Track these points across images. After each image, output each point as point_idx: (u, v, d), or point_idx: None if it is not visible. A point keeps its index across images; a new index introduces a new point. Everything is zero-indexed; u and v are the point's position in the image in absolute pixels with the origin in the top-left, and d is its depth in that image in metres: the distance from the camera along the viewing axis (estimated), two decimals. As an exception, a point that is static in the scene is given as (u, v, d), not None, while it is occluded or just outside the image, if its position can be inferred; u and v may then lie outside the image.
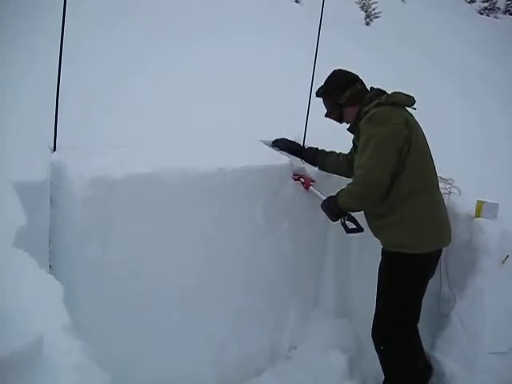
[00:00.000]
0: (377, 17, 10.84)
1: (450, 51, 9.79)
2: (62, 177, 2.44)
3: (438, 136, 2.97)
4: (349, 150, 3.06)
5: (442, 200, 2.85)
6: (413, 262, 2.70)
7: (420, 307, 2.79)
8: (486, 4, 18.35)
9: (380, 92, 2.81)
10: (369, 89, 2.88)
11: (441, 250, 2.83)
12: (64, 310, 1.55)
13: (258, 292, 3.19)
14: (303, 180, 3.24)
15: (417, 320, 2.81)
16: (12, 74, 3.20)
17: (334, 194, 2.86)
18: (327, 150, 3.26)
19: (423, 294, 2.78)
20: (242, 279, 3.09)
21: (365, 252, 3.33)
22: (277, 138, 3.43)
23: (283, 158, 3.28)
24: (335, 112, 2.93)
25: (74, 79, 2.95)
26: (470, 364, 2.83)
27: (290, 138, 3.42)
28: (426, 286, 2.79)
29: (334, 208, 2.85)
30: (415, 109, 2.78)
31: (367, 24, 10.82)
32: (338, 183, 3.08)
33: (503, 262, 2.86)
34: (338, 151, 3.21)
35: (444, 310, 3.00)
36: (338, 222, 2.92)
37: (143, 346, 2.61)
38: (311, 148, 3.31)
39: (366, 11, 10.97)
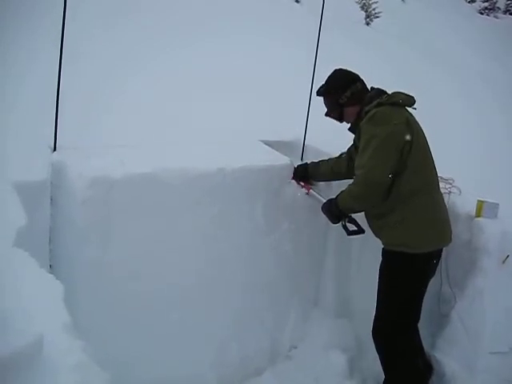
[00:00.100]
0: (377, 17, 10.82)
1: (450, 51, 9.79)
2: (62, 176, 2.45)
3: (438, 136, 2.96)
4: (346, 149, 3.07)
5: (443, 200, 2.85)
6: (413, 262, 2.70)
7: (421, 307, 2.79)
8: (486, 4, 18.34)
9: (380, 92, 2.81)
10: (369, 88, 2.88)
11: (441, 250, 2.83)
12: (64, 310, 1.56)
13: (258, 292, 3.19)
14: (303, 184, 3.24)
15: (417, 320, 2.81)
16: (12, 73, 3.20)
17: (334, 197, 2.86)
18: (316, 161, 3.25)
19: (424, 294, 2.78)
20: (242, 279, 3.09)
21: (365, 252, 3.33)
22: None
23: (284, 158, 3.28)
24: (336, 111, 2.93)
25: (74, 79, 2.95)
26: (471, 364, 2.83)
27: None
28: (426, 285, 2.78)
29: (335, 210, 2.85)
30: (415, 109, 2.78)
31: (367, 24, 10.81)
32: (339, 185, 3.08)
33: (503, 262, 2.86)
34: (327, 158, 3.22)
35: (444, 310, 3.00)
36: (339, 224, 2.92)
37: (143, 346, 2.61)
38: (300, 165, 3.30)
39: (366, 11, 10.96)
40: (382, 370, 2.88)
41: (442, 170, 2.86)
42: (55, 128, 2.55)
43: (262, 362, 3.20)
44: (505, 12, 18.90)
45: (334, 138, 3.31)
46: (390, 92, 2.80)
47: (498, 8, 18.66)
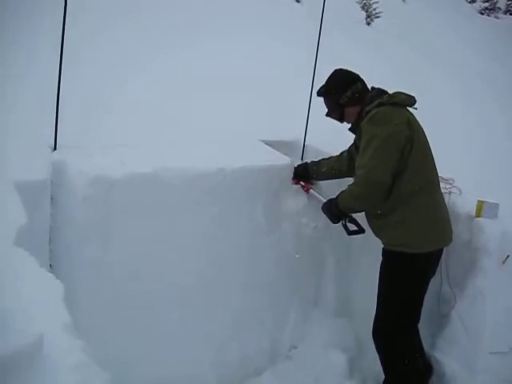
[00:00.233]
0: (377, 17, 10.82)
1: (450, 51, 9.78)
2: (63, 175, 2.45)
3: (438, 136, 2.96)
4: (347, 148, 3.07)
5: (443, 199, 2.85)
6: (414, 262, 2.69)
7: (421, 307, 2.79)
8: (486, 4, 18.32)
9: (381, 92, 2.81)
10: (370, 88, 2.88)
11: (442, 250, 2.82)
12: (64, 310, 1.56)
13: (258, 292, 3.19)
14: (303, 184, 3.24)
15: (417, 320, 2.81)
16: (12, 73, 3.20)
17: (334, 197, 2.86)
18: (316, 160, 3.26)
19: (424, 294, 2.78)
20: (242, 279, 3.09)
21: (365, 252, 3.33)
22: None
23: (284, 158, 3.28)
24: (336, 112, 2.93)
25: (75, 79, 2.95)
26: (471, 364, 2.83)
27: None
28: (427, 285, 2.78)
29: (335, 210, 2.85)
30: (416, 109, 2.78)
31: (368, 24, 10.81)
32: (339, 185, 3.08)
33: (503, 262, 2.86)
34: (327, 157, 3.22)
35: (444, 310, 3.00)
36: (339, 224, 2.92)
37: (143, 346, 2.61)
38: (300, 164, 3.31)
39: (366, 11, 10.95)
40: (382, 369, 2.88)
41: (442, 170, 2.86)
42: (55, 127, 2.55)
43: (262, 362, 3.20)
44: (505, 12, 18.88)
45: (334, 138, 3.30)
46: (390, 92, 2.80)
47: (499, 8, 18.64)
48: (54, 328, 1.43)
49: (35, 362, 1.28)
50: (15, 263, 1.68)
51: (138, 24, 4.91)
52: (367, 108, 2.74)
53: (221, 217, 2.91)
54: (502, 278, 2.87)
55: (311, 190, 3.23)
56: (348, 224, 2.89)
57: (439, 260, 2.84)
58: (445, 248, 2.84)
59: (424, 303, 2.79)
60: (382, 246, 2.81)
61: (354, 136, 2.94)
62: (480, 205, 2.92)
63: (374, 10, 10.92)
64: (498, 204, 2.93)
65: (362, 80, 2.90)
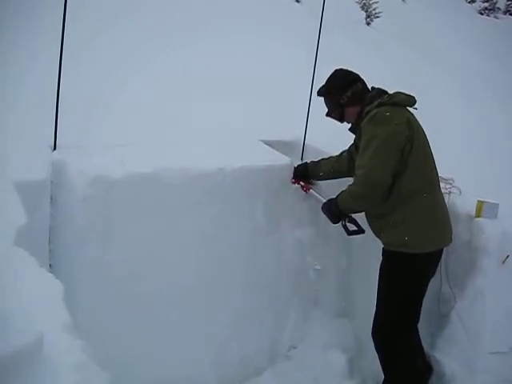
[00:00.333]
0: (377, 17, 10.82)
1: (450, 51, 9.78)
2: (63, 175, 2.45)
3: (438, 136, 2.96)
4: (347, 148, 3.07)
5: (443, 200, 2.85)
6: (414, 262, 2.69)
7: (420, 307, 2.78)
8: (486, 4, 18.31)
9: (381, 92, 2.81)
10: (370, 88, 2.88)
11: (442, 250, 2.82)
12: (64, 310, 1.56)
13: (257, 292, 3.19)
14: (302, 184, 3.24)
15: (417, 320, 2.81)
16: (12, 73, 3.20)
17: (334, 197, 2.86)
18: (316, 159, 3.25)
19: (424, 295, 2.78)
20: (242, 279, 3.09)
21: (365, 252, 3.33)
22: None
23: (284, 158, 3.28)
24: (336, 111, 2.92)
25: (74, 79, 2.95)
26: (471, 364, 2.83)
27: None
28: (426, 286, 2.78)
29: (335, 210, 2.85)
30: (416, 109, 2.78)
31: (368, 24, 10.81)
32: (339, 185, 3.08)
33: (503, 262, 2.86)
34: (327, 157, 3.22)
35: (444, 310, 3.00)
36: (339, 224, 2.92)
37: (143, 346, 2.61)
38: (300, 164, 3.31)
39: (366, 11, 10.95)
40: (381, 370, 2.88)
41: (442, 170, 2.86)
42: (55, 127, 2.55)
43: (262, 362, 3.20)
44: (505, 12, 18.87)
45: (334, 138, 3.30)
46: (390, 92, 2.80)
47: (498, 8, 18.63)
48: (54, 328, 1.43)
49: (35, 361, 1.28)
50: (15, 263, 1.68)
51: (137, 24, 4.91)
52: (367, 108, 2.74)
53: (221, 217, 2.91)
54: (502, 278, 2.87)
55: (311, 190, 3.23)
56: (348, 224, 2.89)
57: (439, 260, 2.84)
58: (445, 248, 2.84)
59: (424, 303, 2.79)
60: (382, 246, 2.81)
61: (353, 136, 2.94)
62: (480, 205, 2.92)
63: (374, 10, 10.92)
64: (497, 204, 2.93)
65: (363, 80, 2.90)
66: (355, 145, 2.92)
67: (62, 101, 2.53)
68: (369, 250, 3.14)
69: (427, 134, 2.77)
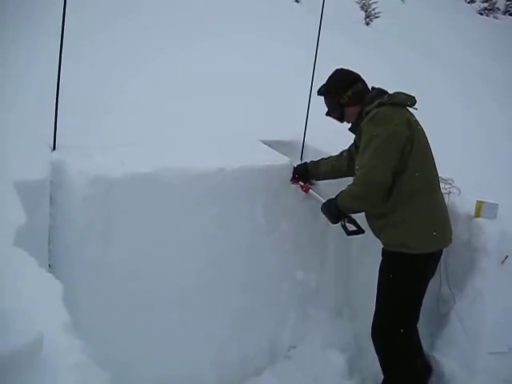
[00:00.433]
0: (377, 17, 10.82)
1: (450, 51, 9.79)
2: (62, 175, 2.45)
3: (438, 136, 2.96)
4: (347, 148, 3.07)
5: (443, 200, 2.85)
6: (413, 262, 2.69)
7: (420, 307, 2.79)
8: (485, 4, 18.31)
9: (381, 92, 2.81)
10: (370, 88, 2.88)
11: (441, 251, 2.82)
12: (64, 310, 1.56)
13: (257, 292, 3.19)
14: (302, 184, 3.24)
15: (416, 320, 2.81)
16: (12, 73, 3.20)
17: (333, 197, 2.86)
18: (316, 159, 3.25)
19: (423, 295, 2.78)
20: (242, 279, 3.09)
21: (365, 251, 3.33)
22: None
23: (284, 159, 3.28)
24: (336, 111, 2.92)
25: (74, 79, 2.95)
26: (470, 364, 2.83)
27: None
28: (426, 286, 2.78)
29: (334, 210, 2.85)
30: (416, 109, 2.78)
31: (367, 24, 10.81)
32: (338, 185, 3.08)
33: (502, 262, 2.87)
34: (327, 157, 3.21)
35: (443, 310, 3.00)
36: (339, 224, 2.92)
37: (143, 346, 2.61)
38: (300, 164, 3.30)
39: (365, 11, 10.95)
40: (380, 369, 2.88)
41: (441, 170, 2.86)
42: (55, 127, 2.55)
43: (262, 362, 3.20)
44: (504, 13, 18.86)
45: (333, 138, 3.30)
46: (390, 92, 2.80)
47: (498, 9, 18.62)
48: (54, 328, 1.44)
49: (35, 361, 1.28)
50: (14, 263, 1.69)
51: (138, 24, 4.91)
52: (367, 108, 2.74)
53: (221, 217, 2.91)
54: (501, 278, 2.87)
55: (310, 190, 3.23)
56: (347, 224, 2.89)
57: (439, 261, 2.84)
58: (444, 248, 2.84)
59: (423, 303, 2.79)
60: (382, 246, 2.81)
61: (353, 136, 2.95)
62: (479, 205, 2.93)
63: (374, 10, 10.92)
64: (497, 204, 2.94)
65: (363, 80, 2.90)
66: (355, 145, 2.92)
67: (61, 101, 2.53)
68: (368, 250, 3.15)
69: (427, 134, 2.77)
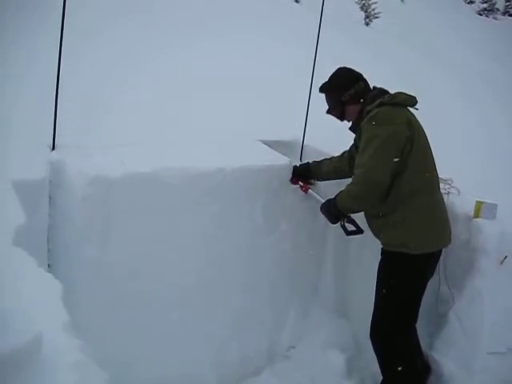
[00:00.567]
0: (376, 17, 10.82)
1: (450, 51, 9.79)
2: (62, 175, 2.45)
3: (438, 136, 2.96)
4: (348, 148, 3.07)
5: (443, 200, 2.85)
6: (413, 263, 2.69)
7: (419, 307, 2.79)
8: (485, 5, 18.29)
9: (382, 91, 2.82)
10: (371, 88, 2.88)
11: (441, 251, 2.82)
12: (63, 309, 1.56)
13: (257, 292, 3.20)
14: (301, 183, 3.24)
15: (415, 320, 2.81)
16: (12, 74, 3.20)
17: (332, 197, 2.86)
18: (318, 160, 3.24)
19: (422, 295, 2.78)
20: (242, 279, 3.10)
21: (364, 251, 3.33)
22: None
23: (283, 159, 3.28)
24: (337, 109, 2.92)
25: (74, 79, 2.95)
26: (469, 364, 2.83)
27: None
28: (425, 286, 2.78)
29: (334, 210, 2.85)
30: (417, 109, 2.78)
31: (367, 24, 10.81)
32: (338, 184, 3.08)
33: (502, 263, 2.87)
34: (329, 157, 3.21)
35: (442, 310, 3.01)
36: (338, 224, 2.92)
37: (143, 346, 2.62)
38: (302, 164, 3.30)
39: (365, 11, 10.95)
40: (379, 369, 2.88)
41: (441, 170, 2.86)
42: (54, 127, 2.55)
43: (261, 362, 3.20)
44: (504, 13, 18.84)
45: (333, 138, 3.31)
46: (391, 92, 2.80)
47: (497, 9, 18.58)
48: (53, 327, 1.44)
49: (34, 361, 1.28)
50: (14, 263, 1.69)
51: (137, 24, 4.91)
52: (368, 108, 2.74)
53: (221, 216, 2.92)
54: (500, 278, 2.87)
55: (310, 190, 3.23)
56: (346, 224, 2.90)
57: (438, 261, 2.84)
58: (443, 248, 2.84)
59: (422, 303, 2.79)
60: (381, 246, 2.81)
61: (353, 136, 2.94)
62: (478, 205, 2.93)
63: (373, 10, 10.92)
64: (496, 205, 2.94)
65: (365, 79, 2.90)
66: (355, 144, 2.92)
67: (61, 100, 2.53)
68: (368, 250, 3.15)
69: (427, 134, 2.77)
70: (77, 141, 2.72)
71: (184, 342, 2.81)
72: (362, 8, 11.07)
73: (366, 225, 2.89)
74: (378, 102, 2.71)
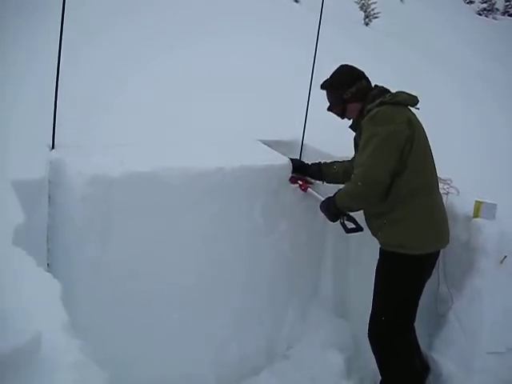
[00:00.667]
0: (376, 17, 10.80)
1: (450, 51, 9.78)
2: (61, 174, 2.45)
3: (438, 136, 2.96)
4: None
5: (442, 201, 2.85)
6: (411, 263, 2.70)
7: (417, 307, 2.79)
8: (484, 5, 18.26)
9: (384, 90, 2.81)
10: (373, 86, 2.88)
11: (439, 252, 2.83)
12: (62, 309, 1.56)
13: (257, 292, 3.20)
14: (301, 182, 3.24)
15: (413, 320, 2.81)
16: (12, 74, 3.20)
17: (331, 195, 2.86)
18: (329, 161, 3.19)
19: (420, 295, 2.78)
20: (242, 279, 3.10)
21: (363, 251, 3.33)
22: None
23: (283, 158, 3.28)
24: (338, 106, 2.91)
25: (74, 79, 2.95)
26: (468, 364, 2.84)
27: (292, 157, 3.32)
28: (423, 286, 2.78)
29: (333, 208, 2.85)
30: (418, 109, 2.78)
31: (366, 24, 10.80)
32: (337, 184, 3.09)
33: (501, 263, 2.87)
34: (340, 160, 3.16)
35: (442, 310, 3.01)
36: (337, 222, 2.92)
37: (142, 346, 2.62)
38: (314, 163, 3.23)
39: (365, 11, 10.94)
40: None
41: (441, 170, 2.87)
42: (53, 126, 2.55)
43: (260, 362, 3.20)
44: (503, 13, 18.80)
45: (332, 138, 3.31)
46: (393, 91, 2.80)
47: (497, 9, 18.54)
48: (52, 327, 1.44)
49: (33, 360, 1.29)
50: (13, 262, 1.69)
51: (137, 24, 4.91)
52: (369, 106, 2.74)
53: (220, 216, 2.92)
54: (500, 278, 2.88)
55: (309, 189, 3.22)
56: (346, 222, 2.89)
57: (436, 261, 2.84)
58: (441, 249, 2.85)
59: (421, 303, 2.79)
60: (380, 246, 2.81)
61: (352, 135, 2.94)
62: (478, 205, 2.93)
63: (373, 10, 10.91)
64: (495, 204, 2.94)
65: (367, 78, 2.89)
66: (355, 142, 2.92)
67: (61, 100, 2.54)
68: (367, 250, 3.15)
69: (427, 133, 2.77)
70: (76, 140, 2.72)
71: (184, 342, 2.82)
72: (361, 8, 11.06)
73: (366, 223, 2.89)
74: (378, 100, 2.71)
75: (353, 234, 2.92)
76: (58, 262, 2.46)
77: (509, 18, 18.35)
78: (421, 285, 2.77)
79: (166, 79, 4.03)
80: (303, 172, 3.24)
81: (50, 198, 2.48)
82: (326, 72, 2.98)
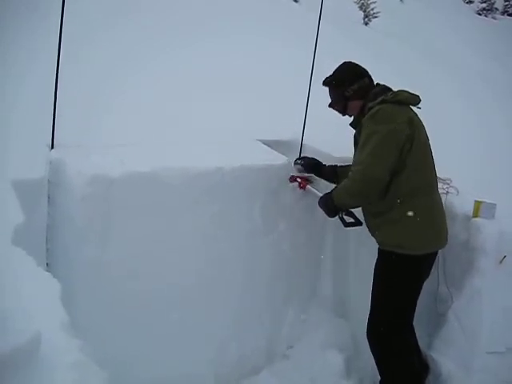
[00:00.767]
0: (375, 17, 10.79)
1: (450, 51, 9.77)
2: (61, 174, 2.45)
3: (438, 136, 2.96)
4: None
5: (441, 201, 2.85)
6: (409, 263, 2.69)
7: (415, 307, 2.79)
8: (484, 5, 18.25)
9: (386, 89, 2.81)
10: (375, 84, 2.88)
11: (437, 252, 2.83)
12: (62, 309, 1.56)
13: (256, 292, 3.20)
14: (299, 180, 3.24)
15: (412, 320, 2.81)
16: (12, 73, 3.20)
17: (329, 191, 2.85)
18: (345, 164, 3.13)
19: (419, 295, 2.78)
20: (241, 279, 3.10)
21: (362, 251, 3.33)
22: (297, 157, 3.33)
23: (282, 158, 3.28)
24: (340, 104, 2.91)
25: (74, 79, 2.95)
26: (467, 363, 2.84)
27: (309, 156, 3.30)
28: (421, 286, 2.78)
29: (331, 205, 2.84)
30: (420, 108, 2.77)
31: (366, 24, 10.78)
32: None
33: (501, 262, 2.88)
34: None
35: (441, 310, 3.01)
36: (336, 218, 2.91)
37: (142, 346, 2.62)
38: (330, 165, 3.20)
39: (364, 11, 10.93)
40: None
41: (440, 170, 2.87)
42: (53, 126, 2.56)
43: (260, 361, 3.21)
44: (503, 13, 18.79)
45: (332, 138, 3.31)
46: (395, 90, 2.79)
47: (496, 9, 18.53)
48: (52, 327, 1.44)
49: (33, 360, 1.29)
50: (12, 262, 1.69)
51: (138, 24, 4.90)
52: (370, 104, 2.74)
53: (220, 216, 2.92)
54: (499, 277, 2.88)
55: (308, 186, 3.22)
56: (345, 216, 2.88)
57: (434, 262, 2.84)
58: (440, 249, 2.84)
59: (421, 303, 2.80)
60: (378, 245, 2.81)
61: (352, 134, 2.94)
62: (477, 205, 2.93)
63: (372, 10, 10.89)
64: (495, 204, 2.94)
65: (370, 76, 2.89)
66: (355, 140, 2.91)
67: (61, 100, 2.54)
68: (366, 250, 3.15)
69: (427, 133, 2.77)
70: (76, 140, 2.72)
71: (183, 342, 2.82)
72: (360, 8, 11.04)
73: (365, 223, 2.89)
74: (380, 99, 2.71)
75: (352, 228, 2.90)
76: (57, 262, 2.46)
77: (508, 17, 18.34)
78: (419, 285, 2.77)
79: (166, 79, 4.03)
80: (318, 172, 3.21)
81: (49, 197, 2.48)
82: (325, 72, 2.98)
